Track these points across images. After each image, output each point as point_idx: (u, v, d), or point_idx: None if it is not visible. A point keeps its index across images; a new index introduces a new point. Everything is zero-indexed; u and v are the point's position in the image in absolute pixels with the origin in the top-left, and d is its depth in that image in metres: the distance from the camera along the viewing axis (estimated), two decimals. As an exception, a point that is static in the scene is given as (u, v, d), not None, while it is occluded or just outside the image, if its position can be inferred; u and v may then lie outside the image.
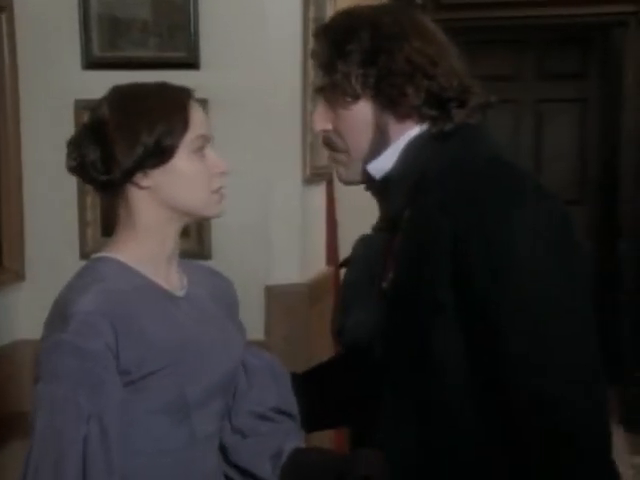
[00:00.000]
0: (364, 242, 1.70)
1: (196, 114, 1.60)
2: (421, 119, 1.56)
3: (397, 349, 1.52)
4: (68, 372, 1.45)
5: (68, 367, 1.45)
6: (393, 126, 1.57)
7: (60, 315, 1.48)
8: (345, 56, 1.55)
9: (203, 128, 1.60)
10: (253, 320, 2.70)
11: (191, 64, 2.70)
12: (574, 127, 6.55)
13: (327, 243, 3.38)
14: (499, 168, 1.51)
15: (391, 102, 1.55)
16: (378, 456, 1.53)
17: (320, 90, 1.62)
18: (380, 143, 1.57)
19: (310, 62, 2.80)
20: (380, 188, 1.61)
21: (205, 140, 1.60)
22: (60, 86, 2.75)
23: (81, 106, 2.67)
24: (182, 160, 1.57)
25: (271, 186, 2.75)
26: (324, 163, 3.10)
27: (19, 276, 2.76)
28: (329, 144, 1.64)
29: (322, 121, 1.62)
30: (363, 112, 1.57)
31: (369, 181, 1.62)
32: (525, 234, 1.41)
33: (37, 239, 2.79)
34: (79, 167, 1.58)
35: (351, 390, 1.67)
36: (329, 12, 3.07)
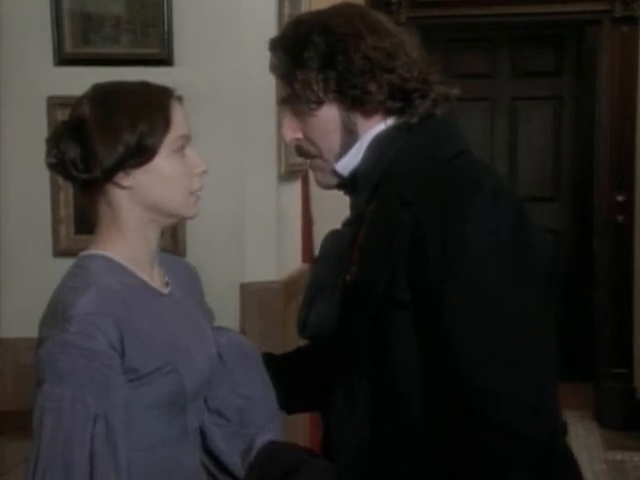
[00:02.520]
0: (333, 237, 1.70)
1: (177, 114, 1.60)
2: (387, 113, 1.57)
3: (352, 338, 1.53)
4: (74, 372, 1.44)
5: (74, 367, 1.45)
6: (361, 124, 1.58)
7: (60, 316, 1.47)
8: (302, 64, 1.56)
9: (184, 128, 1.60)
10: (228, 317, 2.69)
11: (165, 60, 2.69)
12: (549, 125, 6.58)
13: (302, 240, 3.37)
14: (462, 164, 1.53)
15: (355, 101, 1.56)
16: (328, 471, 1.56)
17: (284, 101, 1.63)
18: (350, 142, 1.59)
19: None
20: (349, 185, 1.62)
21: (186, 140, 1.60)
22: (32, 82, 2.73)
23: (53, 102, 2.65)
24: (163, 160, 1.56)
25: (246, 183, 2.74)
26: (299, 160, 3.10)
27: (-9, 274, 2.75)
28: (302, 152, 1.65)
29: (291, 131, 1.63)
30: (329, 116, 1.58)
31: (338, 180, 1.63)
32: (479, 232, 1.42)
33: (10, 236, 2.77)
34: (59, 165, 1.57)
35: (315, 378, 1.69)
36: (304, 8, 3.07)
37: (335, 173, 1.62)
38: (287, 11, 2.82)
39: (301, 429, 3.16)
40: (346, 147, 1.59)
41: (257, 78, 2.73)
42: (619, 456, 5.07)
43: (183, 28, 2.70)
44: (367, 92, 1.54)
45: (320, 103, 1.57)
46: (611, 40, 5.41)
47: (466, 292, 1.42)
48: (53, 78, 2.70)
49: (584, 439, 5.32)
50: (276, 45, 1.63)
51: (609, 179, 5.51)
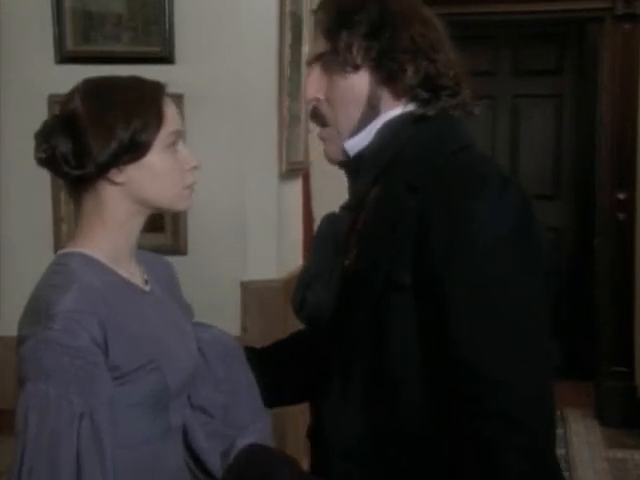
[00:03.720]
0: (330, 220, 1.70)
1: (170, 110, 1.59)
2: (412, 100, 1.58)
3: (351, 321, 1.54)
4: (58, 370, 1.43)
5: (58, 365, 1.43)
6: (385, 102, 1.58)
7: (43, 314, 1.45)
8: (351, 26, 1.57)
9: (176, 124, 1.60)
10: (229, 316, 2.70)
11: (166, 58, 2.69)
12: (550, 123, 6.57)
13: (303, 238, 3.37)
14: (470, 158, 1.55)
15: (389, 77, 1.57)
16: (301, 478, 1.58)
17: (319, 57, 1.62)
18: (368, 118, 1.59)
19: (286, 57, 2.79)
20: (352, 166, 1.62)
21: (178, 135, 1.60)
22: (33, 81, 2.73)
23: (54, 100, 2.65)
24: (156, 156, 1.56)
25: (247, 181, 2.74)
26: (300, 158, 3.10)
27: (-8, 272, 2.75)
28: (317, 115, 1.64)
29: (315, 89, 1.62)
30: (360, 83, 1.58)
31: (345, 158, 1.63)
32: (485, 224, 1.43)
33: (11, 234, 2.77)
34: (49, 160, 1.55)
35: (309, 366, 1.69)
36: (305, 7, 3.07)
37: (342, 151, 1.61)
38: (288, 9, 2.82)
39: (302, 421, 3.16)
40: (363, 123, 1.59)
41: (258, 76, 2.73)
42: (620, 454, 5.06)
43: (184, 26, 2.70)
44: (404, 70, 1.55)
45: (356, 68, 1.57)
46: (612, 38, 5.40)
47: (470, 282, 1.43)
48: (54, 76, 2.70)
49: (585, 437, 5.32)
50: (331, 2, 1.63)
51: (610, 177, 5.50)
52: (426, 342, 1.47)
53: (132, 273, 1.62)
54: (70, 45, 2.71)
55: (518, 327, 1.44)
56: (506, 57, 6.58)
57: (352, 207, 1.63)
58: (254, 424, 1.70)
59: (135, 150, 1.54)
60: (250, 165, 2.74)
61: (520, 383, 1.43)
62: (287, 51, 2.82)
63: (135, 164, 1.55)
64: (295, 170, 3.03)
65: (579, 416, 5.59)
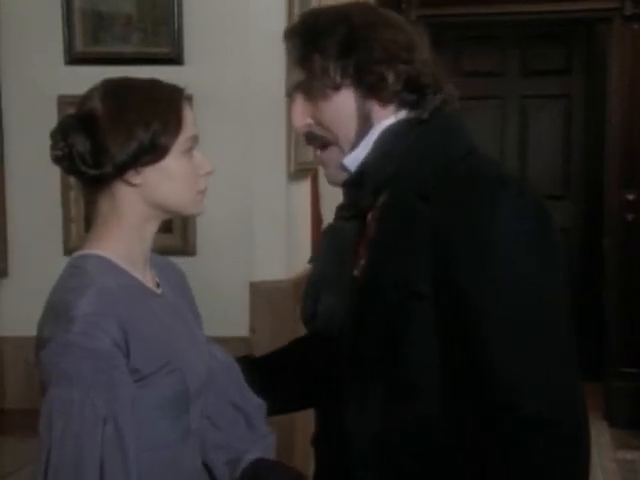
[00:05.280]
0: (333, 231, 1.70)
1: (188, 114, 1.59)
2: (401, 105, 1.58)
3: (368, 334, 1.53)
4: (80, 374, 1.43)
5: (79, 369, 1.44)
6: (376, 112, 1.58)
7: (62, 317, 1.45)
8: (322, 49, 1.57)
9: (194, 129, 1.60)
10: (237, 317, 2.70)
11: (175, 59, 2.69)
12: (559, 123, 6.56)
13: (312, 239, 3.37)
14: (478, 162, 1.55)
15: (371, 88, 1.57)
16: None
17: (298, 86, 1.62)
18: (364, 131, 1.58)
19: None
20: (355, 179, 1.61)
21: (195, 141, 1.60)
22: (43, 81, 2.74)
23: (64, 101, 2.66)
24: (173, 160, 1.56)
25: (255, 182, 2.74)
26: (309, 159, 3.10)
27: (2, 273, 2.75)
28: (314, 138, 1.64)
29: (302, 117, 1.62)
30: (345, 101, 1.58)
31: (346, 175, 1.62)
32: (505, 229, 1.44)
33: (20, 235, 2.78)
34: (65, 158, 1.54)
35: (315, 373, 1.68)
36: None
37: (343, 168, 1.61)
38: (296, 11, 2.82)
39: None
40: (360, 136, 1.58)
41: (267, 77, 2.73)
42: (629, 455, 5.06)
43: (193, 27, 2.70)
44: (384, 79, 1.56)
45: (336, 88, 1.57)
46: (621, 38, 5.40)
47: (495, 288, 1.43)
48: (63, 77, 2.71)
49: (594, 438, 5.27)
50: (294, 31, 1.64)
51: (619, 178, 5.49)
52: (447, 350, 1.47)
53: (145, 276, 1.62)
54: (79, 46, 2.72)
55: (547, 329, 1.44)
56: (514, 57, 6.58)
57: (353, 217, 1.63)
58: (263, 439, 1.71)
59: (154, 152, 1.54)
60: (258, 165, 2.75)
61: (553, 386, 1.43)
62: (296, 52, 2.82)
63: (152, 167, 1.55)
64: (303, 170, 3.03)
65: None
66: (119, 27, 2.71)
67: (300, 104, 1.62)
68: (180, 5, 2.68)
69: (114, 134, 1.52)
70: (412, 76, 1.56)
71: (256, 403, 1.72)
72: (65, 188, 2.71)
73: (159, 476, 1.54)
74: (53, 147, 1.56)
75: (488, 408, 1.44)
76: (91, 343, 1.44)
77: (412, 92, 1.57)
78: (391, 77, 1.56)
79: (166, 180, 1.56)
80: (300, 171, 2.95)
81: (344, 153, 1.60)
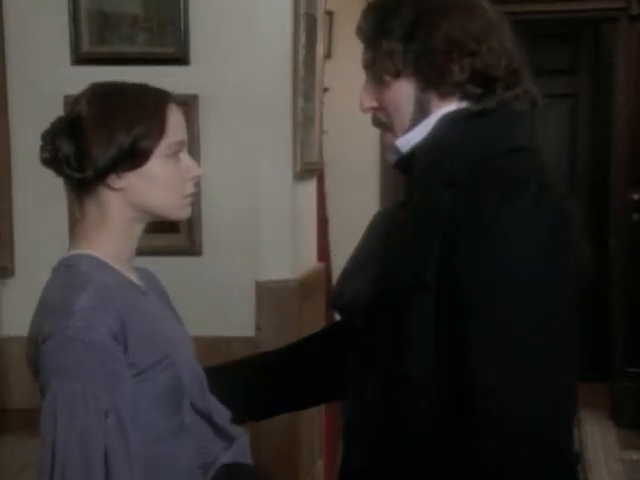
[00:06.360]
0: (382, 215, 1.69)
1: (174, 119, 1.59)
2: (464, 97, 1.53)
3: (376, 319, 1.52)
4: (82, 367, 1.45)
5: (81, 362, 1.45)
6: (435, 103, 1.55)
7: (61, 313, 1.47)
8: (388, 33, 1.53)
9: (179, 134, 1.60)
10: (243, 316, 2.70)
11: (181, 60, 2.69)
12: (565, 123, 6.56)
13: (318, 239, 3.37)
14: (516, 162, 1.49)
15: (431, 80, 1.52)
16: None
17: (365, 66, 1.60)
18: (419, 119, 1.55)
19: (300, 58, 2.79)
20: (404, 163, 1.58)
21: (180, 145, 1.60)
22: (49, 81, 2.74)
23: (70, 101, 2.65)
24: (156, 165, 1.56)
25: (261, 182, 2.74)
26: (314, 159, 3.10)
27: (8, 272, 2.76)
28: (377, 123, 1.62)
29: (367, 99, 1.60)
30: (404, 90, 1.55)
31: (398, 157, 1.59)
32: (512, 233, 1.39)
33: (26, 235, 2.78)
34: (52, 161, 1.57)
35: (336, 363, 1.69)
36: (320, 7, 3.07)
37: (395, 149, 1.59)
38: (302, 11, 2.82)
39: (317, 418, 3.17)
40: (414, 122, 1.55)
41: (272, 77, 2.73)
42: (635, 456, 5.05)
43: (199, 27, 2.70)
44: (445, 73, 1.51)
45: (397, 75, 1.54)
46: (627, 38, 5.39)
47: (491, 292, 1.39)
48: (70, 77, 2.71)
49: (600, 438, 5.31)
50: (368, 10, 1.60)
51: (625, 177, 5.49)
52: (441, 346, 1.44)
53: (131, 275, 1.64)
54: (85, 46, 2.72)
55: (537, 343, 1.39)
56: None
57: (404, 204, 1.60)
58: (234, 442, 1.70)
59: (135, 157, 1.54)
60: (264, 165, 2.75)
61: (533, 401, 1.38)
62: (301, 52, 2.82)
63: (135, 171, 1.55)
64: (309, 171, 3.03)
65: (593, 417, 5.57)
66: (125, 27, 2.71)
67: (367, 85, 1.60)
68: (186, 5, 2.68)
69: (96, 139, 1.53)
70: (477, 69, 1.51)
71: (220, 409, 1.71)
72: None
73: (153, 471, 1.55)
74: (42, 149, 1.59)
75: (468, 411, 1.41)
76: (91, 336, 1.45)
77: (478, 85, 1.52)
78: (455, 69, 1.50)
79: (149, 185, 1.57)
80: (306, 171, 2.95)
81: (397, 137, 1.57)
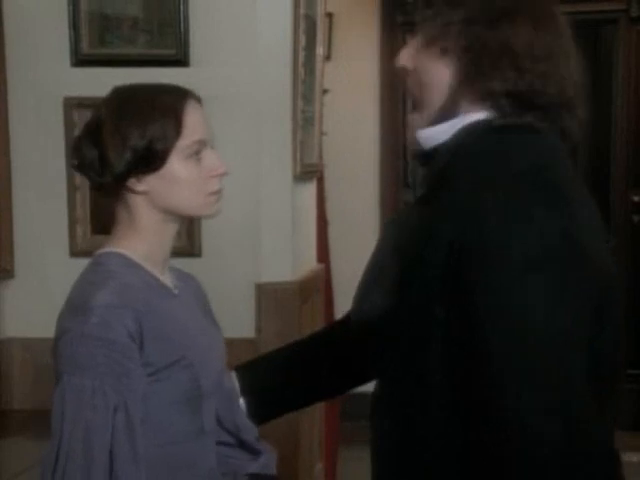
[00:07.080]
0: (393, 223, 1.57)
1: (192, 118, 1.58)
2: (493, 107, 1.42)
3: (391, 338, 1.45)
4: (94, 363, 1.46)
5: (93, 358, 1.46)
6: (466, 103, 1.44)
7: (79, 309, 1.49)
8: (457, 5, 1.43)
9: (199, 133, 1.58)
10: (244, 318, 2.71)
11: (181, 61, 2.69)
12: (564, 125, 6.56)
13: (317, 241, 3.38)
14: (520, 185, 1.36)
15: (469, 76, 1.42)
16: None
17: (418, 25, 1.49)
18: (448, 112, 1.45)
19: (300, 59, 2.80)
20: (421, 159, 1.51)
21: (201, 144, 1.59)
22: (49, 83, 2.74)
23: (70, 103, 2.67)
24: (176, 165, 1.56)
25: (261, 183, 2.75)
26: (314, 160, 3.10)
27: (8, 274, 2.76)
28: (409, 91, 1.52)
29: (406, 57, 1.49)
30: (442, 71, 1.44)
31: (417, 147, 1.50)
32: (517, 251, 1.30)
33: (26, 237, 2.78)
34: (80, 167, 1.59)
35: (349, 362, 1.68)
36: (320, 9, 3.07)
37: (417, 143, 1.49)
38: (302, 11, 2.82)
39: (317, 420, 3.17)
40: (441, 115, 1.45)
41: (272, 78, 2.73)
42: (635, 458, 5.04)
43: (199, 29, 2.70)
44: (484, 74, 1.40)
45: (444, 52, 1.43)
46: (627, 40, 5.40)
47: (500, 308, 1.31)
48: (70, 79, 2.71)
49: (600, 440, 5.30)
50: None
51: (625, 179, 5.49)
52: (454, 369, 1.36)
53: (163, 277, 1.64)
54: (86, 48, 2.72)
55: (549, 366, 1.32)
56: (521, 59, 6.57)
57: (422, 198, 1.50)
58: (263, 456, 1.73)
59: (151, 160, 1.54)
60: (264, 167, 2.75)
61: (542, 426, 1.31)
62: (301, 53, 2.82)
63: (155, 174, 1.55)
64: (309, 172, 3.04)
65: (594, 419, 5.56)
66: (125, 29, 2.71)
67: (412, 45, 1.49)
68: (186, 7, 2.68)
69: (112, 143, 1.54)
70: (519, 89, 1.39)
71: (249, 427, 1.73)
72: (71, 189, 2.72)
73: (171, 473, 1.56)
74: (71, 155, 1.61)
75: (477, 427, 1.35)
76: (107, 333, 1.46)
77: (512, 104, 1.40)
78: (496, 75, 1.40)
79: (171, 186, 1.56)
80: (306, 173, 2.96)
81: (423, 121, 1.47)
